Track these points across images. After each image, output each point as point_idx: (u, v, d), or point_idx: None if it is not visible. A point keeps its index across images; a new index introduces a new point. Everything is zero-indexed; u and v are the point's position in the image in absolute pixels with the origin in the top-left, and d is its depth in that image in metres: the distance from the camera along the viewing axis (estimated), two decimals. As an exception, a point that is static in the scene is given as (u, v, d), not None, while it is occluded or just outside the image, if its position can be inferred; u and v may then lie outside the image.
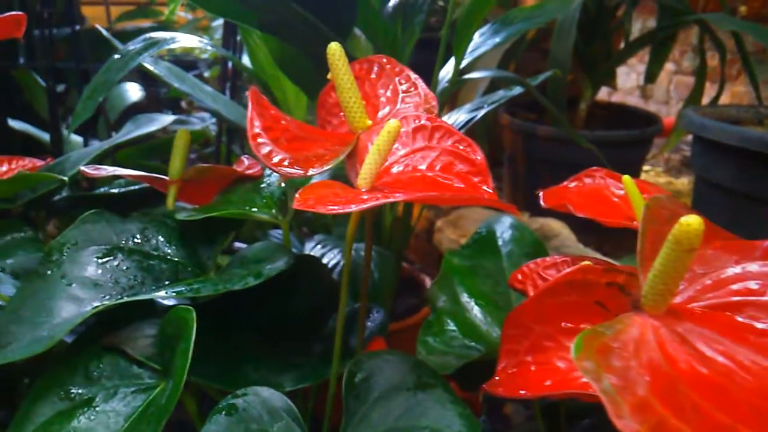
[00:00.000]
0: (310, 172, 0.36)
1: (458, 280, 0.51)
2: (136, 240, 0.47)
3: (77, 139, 1.42)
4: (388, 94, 0.44)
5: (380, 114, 0.43)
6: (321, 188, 0.34)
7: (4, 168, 0.75)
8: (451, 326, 0.47)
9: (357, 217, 0.38)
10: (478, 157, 0.38)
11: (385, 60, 0.46)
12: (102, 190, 0.72)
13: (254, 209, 0.50)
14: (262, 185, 0.54)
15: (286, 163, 0.36)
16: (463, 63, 0.94)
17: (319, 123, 0.49)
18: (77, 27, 2.32)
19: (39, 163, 0.76)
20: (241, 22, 0.81)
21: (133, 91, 1.42)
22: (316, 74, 0.87)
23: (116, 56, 0.82)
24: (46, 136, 1.48)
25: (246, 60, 1.20)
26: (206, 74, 2.22)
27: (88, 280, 0.44)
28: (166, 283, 0.46)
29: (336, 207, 0.31)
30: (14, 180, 0.61)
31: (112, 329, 0.42)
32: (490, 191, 0.37)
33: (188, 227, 0.50)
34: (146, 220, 0.49)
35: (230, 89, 1.17)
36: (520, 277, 0.44)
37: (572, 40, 1.52)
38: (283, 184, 0.52)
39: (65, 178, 0.61)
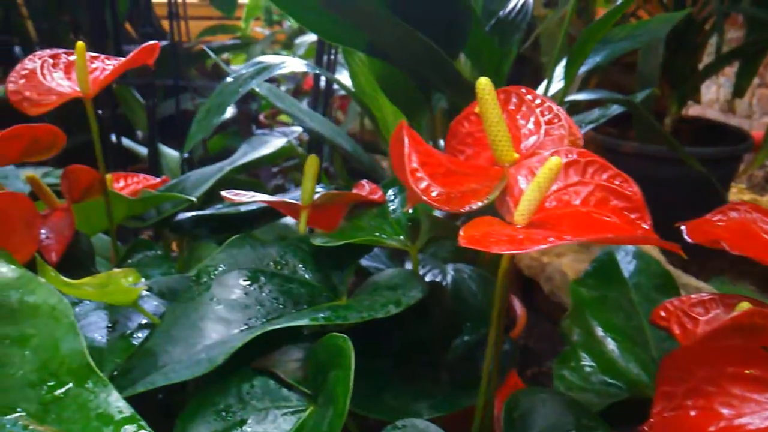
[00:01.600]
0: (467, 208, 0.36)
1: (590, 313, 0.50)
2: (276, 264, 0.49)
3: (172, 153, 1.49)
4: (530, 126, 0.44)
5: (523, 146, 0.43)
6: (484, 225, 0.34)
7: (121, 184, 0.79)
8: (588, 361, 0.46)
9: (511, 256, 0.39)
10: (635, 192, 0.37)
11: (524, 90, 0.46)
12: (217, 209, 0.75)
13: (384, 236, 0.51)
14: (388, 211, 0.55)
15: (443, 198, 0.37)
16: (559, 84, 0.93)
17: (449, 152, 0.49)
18: (164, 42, 2.42)
19: (155, 180, 0.81)
20: (350, 46, 0.83)
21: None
22: (420, 96, 0.89)
23: (229, 79, 0.85)
24: (139, 149, 1.56)
25: (342, 79, 1.22)
26: (283, 88, 2.29)
27: (235, 303, 0.46)
28: (304, 307, 0.47)
29: (508, 247, 0.31)
30: (145, 199, 0.64)
31: (263, 351, 0.44)
32: (648, 228, 0.36)
33: (320, 252, 0.51)
34: (284, 244, 0.50)
35: (323, 106, 1.21)
36: (663, 314, 0.43)
37: (661, 56, 1.48)
38: (410, 211, 0.53)
39: (194, 199, 0.64)
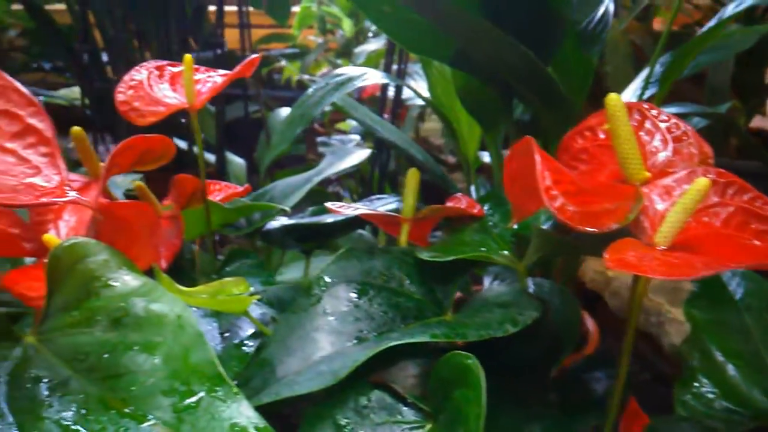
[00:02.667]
0: (606, 228, 0.35)
1: (708, 336, 0.48)
2: (382, 277, 0.49)
3: (237, 160, 1.51)
4: (657, 143, 0.43)
5: (650, 163, 0.42)
6: (628, 247, 0.33)
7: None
8: (709, 387, 0.45)
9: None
10: (779, 216, 0.36)
11: (646, 106, 0.45)
12: (300, 217, 0.76)
13: (490, 252, 0.50)
14: (488, 225, 0.54)
15: (578, 217, 0.36)
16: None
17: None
18: (218, 51, 2.49)
19: (239, 189, 0.82)
20: (433, 57, 0.83)
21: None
22: (499, 108, 0.88)
23: (310, 91, 0.86)
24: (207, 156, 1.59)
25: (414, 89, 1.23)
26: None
27: (346, 315, 0.46)
28: (412, 321, 0.47)
29: (666, 272, 0.30)
30: (241, 208, 0.66)
31: (375, 365, 0.44)
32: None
33: (424, 266, 0.51)
34: (389, 257, 0.50)
35: (392, 116, 1.21)
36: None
37: (731, 69, 1.43)
38: (515, 227, 0.52)
39: (287, 208, 0.65)
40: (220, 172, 1.43)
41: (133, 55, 2.05)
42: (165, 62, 0.63)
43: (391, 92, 1.24)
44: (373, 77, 0.83)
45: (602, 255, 0.33)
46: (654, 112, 0.44)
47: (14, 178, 0.34)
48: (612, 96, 0.40)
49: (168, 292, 0.44)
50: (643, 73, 1.02)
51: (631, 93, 1.01)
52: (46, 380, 0.39)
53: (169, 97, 0.60)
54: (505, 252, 0.51)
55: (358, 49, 1.97)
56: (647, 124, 0.44)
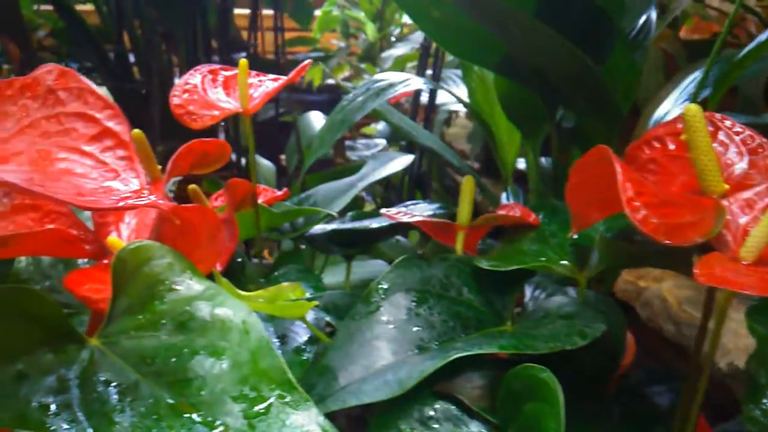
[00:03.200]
0: (691, 242, 0.35)
1: (777, 352, 0.47)
2: (441, 285, 0.49)
3: (266, 162, 1.52)
4: (732, 155, 0.42)
5: (725, 175, 0.41)
6: (716, 262, 0.33)
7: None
8: (781, 404, 0.44)
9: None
10: None
11: (718, 116, 0.44)
12: (341, 222, 0.75)
13: (550, 262, 0.50)
14: (546, 235, 0.54)
15: (661, 229, 0.35)
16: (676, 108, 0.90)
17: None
18: (245, 54, 2.51)
19: (278, 193, 0.82)
20: (478, 62, 0.83)
21: (318, 121, 1.50)
22: (541, 115, 0.87)
23: (350, 96, 0.86)
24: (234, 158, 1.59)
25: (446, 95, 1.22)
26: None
27: (407, 323, 0.46)
28: (472, 331, 0.47)
29: (761, 287, 0.29)
30: (289, 212, 0.66)
31: (444, 376, 0.43)
32: None
33: (482, 275, 0.50)
34: (447, 265, 0.50)
35: (425, 121, 1.21)
36: None
37: (762, 80, 1.42)
38: (575, 236, 0.51)
39: (334, 213, 0.65)
40: (249, 174, 1.43)
41: (160, 57, 2.06)
42: (218, 66, 0.63)
43: (424, 98, 1.24)
44: (415, 83, 0.83)
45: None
46: (728, 123, 0.43)
47: (93, 181, 0.34)
48: (691, 107, 0.39)
49: (231, 296, 0.44)
50: (686, 82, 1.00)
51: (671, 102, 1.00)
52: (114, 384, 0.39)
53: (223, 101, 0.60)
54: (565, 262, 0.50)
55: (385, 54, 1.97)
56: (721, 135, 0.43)
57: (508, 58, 0.74)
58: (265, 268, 0.67)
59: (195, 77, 0.60)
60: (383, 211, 0.55)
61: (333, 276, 0.81)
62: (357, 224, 0.70)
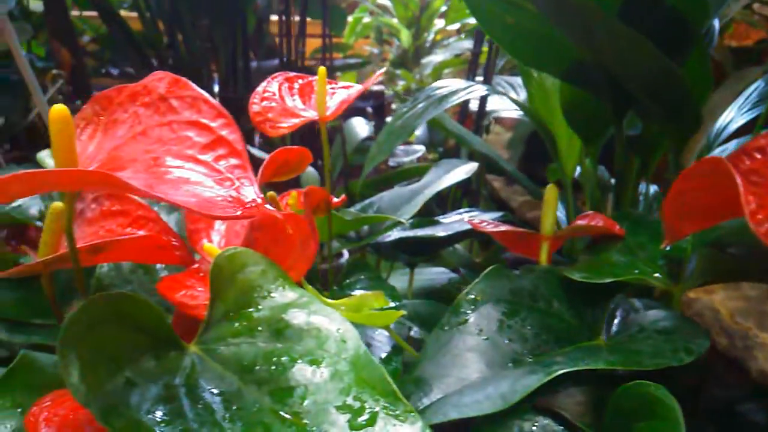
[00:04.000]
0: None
1: None
2: (531, 296, 0.48)
3: (309, 168, 1.52)
4: None
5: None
6: None
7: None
8: None
9: None
10: None
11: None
12: (403, 230, 0.75)
13: (643, 274, 0.48)
14: (632, 246, 0.52)
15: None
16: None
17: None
18: (275, 61, 2.52)
19: (335, 200, 0.82)
20: (544, 68, 0.82)
21: (361, 127, 1.50)
22: (604, 123, 0.86)
23: (408, 103, 0.86)
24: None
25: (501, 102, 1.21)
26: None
27: (499, 335, 0.45)
28: (566, 344, 0.46)
29: None
30: (360, 219, 0.65)
31: (542, 390, 0.42)
32: None
33: (571, 287, 0.49)
34: (533, 276, 0.49)
35: (476, 128, 1.20)
36: None
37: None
38: (668, 248, 0.50)
39: (403, 220, 0.65)
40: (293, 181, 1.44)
41: (207, 62, 2.09)
42: (293, 74, 0.63)
43: (473, 105, 1.23)
44: (478, 90, 0.82)
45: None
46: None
47: (209, 189, 0.34)
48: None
49: (324, 305, 0.44)
50: (749, 90, 0.98)
51: (735, 111, 0.98)
52: (218, 392, 0.39)
53: (300, 108, 0.60)
54: (659, 275, 0.49)
55: (424, 60, 1.97)
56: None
57: (577, 64, 0.73)
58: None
59: (272, 85, 0.61)
60: (467, 219, 0.54)
61: (395, 283, 0.80)
62: (426, 232, 0.69)
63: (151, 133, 0.37)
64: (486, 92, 0.85)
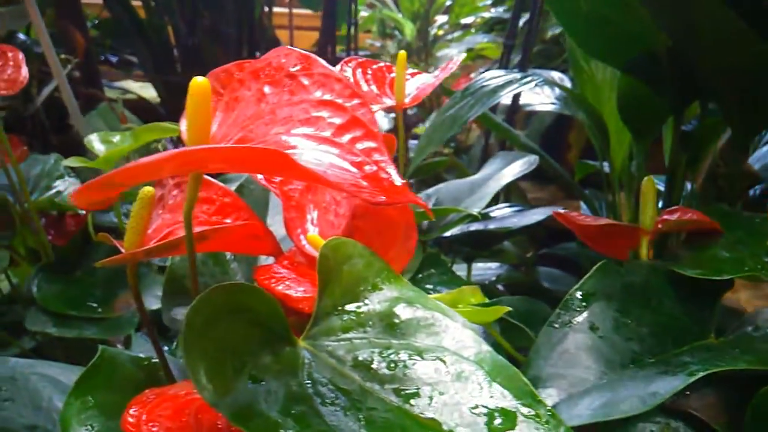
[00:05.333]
0: None
1: None
2: (642, 294, 0.46)
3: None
4: None
5: None
6: None
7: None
8: None
9: None
10: None
11: None
12: (463, 227, 0.73)
13: (753, 270, 0.47)
14: (732, 242, 0.51)
15: None
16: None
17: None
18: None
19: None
20: (608, 60, 0.80)
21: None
22: (659, 118, 0.84)
23: (456, 95, 0.84)
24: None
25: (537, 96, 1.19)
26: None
27: (614, 334, 0.43)
28: (682, 344, 0.44)
29: None
30: (436, 211, 0.63)
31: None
32: None
33: (679, 283, 0.47)
34: (643, 272, 0.47)
35: (509, 121, 1.18)
36: None
37: None
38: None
39: (476, 213, 0.62)
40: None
41: (203, 53, 2.05)
42: (365, 59, 0.60)
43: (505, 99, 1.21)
44: (532, 82, 0.80)
45: None
46: None
47: (348, 172, 0.32)
48: None
49: (431, 299, 0.42)
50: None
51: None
52: (339, 389, 0.36)
53: (376, 94, 0.57)
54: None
55: (440, 53, 1.95)
56: None
57: (646, 55, 0.71)
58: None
59: (347, 70, 0.58)
60: (554, 212, 0.52)
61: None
62: (494, 225, 0.67)
63: (280, 112, 0.34)
64: (539, 84, 0.83)
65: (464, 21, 2.32)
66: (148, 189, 0.42)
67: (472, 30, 2.23)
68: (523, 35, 1.24)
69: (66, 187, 0.72)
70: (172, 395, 0.39)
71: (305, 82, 0.34)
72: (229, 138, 0.33)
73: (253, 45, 2.15)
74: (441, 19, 2.91)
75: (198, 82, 0.30)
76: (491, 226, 0.66)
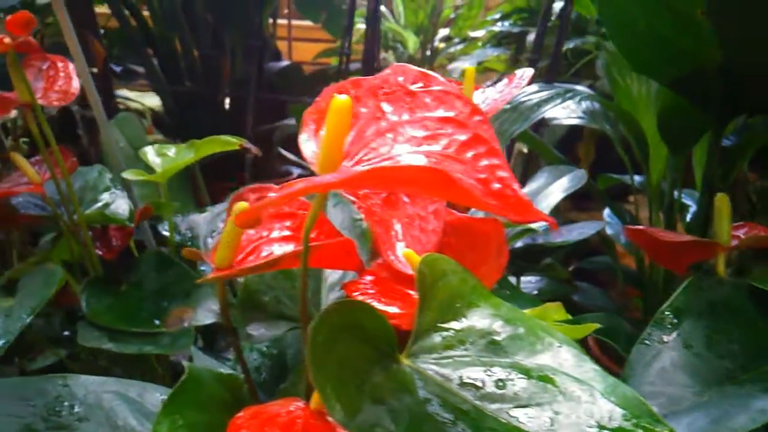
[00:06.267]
0: None
1: None
2: (729, 310, 0.46)
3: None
4: None
5: None
6: None
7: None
8: None
9: None
10: None
11: None
12: (537, 239, 0.72)
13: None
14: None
15: None
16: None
17: None
18: (286, 62, 2.48)
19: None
20: (655, 75, 0.81)
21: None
22: (698, 133, 0.85)
23: (507, 106, 0.84)
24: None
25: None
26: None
27: (707, 350, 0.43)
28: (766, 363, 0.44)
29: None
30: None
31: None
32: None
33: (762, 299, 0.48)
34: (726, 288, 0.47)
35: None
36: None
37: None
38: None
39: (535, 227, 0.62)
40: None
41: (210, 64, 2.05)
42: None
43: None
44: (578, 96, 0.80)
45: None
46: None
47: (476, 190, 0.31)
48: None
49: (530, 316, 0.42)
50: None
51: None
52: (451, 408, 0.35)
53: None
54: None
55: (451, 66, 1.96)
56: None
57: (695, 71, 0.72)
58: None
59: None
60: (627, 227, 0.52)
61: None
62: (544, 240, 0.67)
63: (402, 130, 0.33)
64: (583, 99, 0.84)
65: (473, 34, 2.34)
66: (242, 204, 0.41)
67: (479, 44, 2.25)
68: (531, 49, 1.25)
69: (113, 199, 0.71)
70: (273, 415, 0.39)
71: (426, 99, 0.34)
72: (353, 155, 0.33)
73: (261, 57, 2.15)
74: (442, 32, 2.93)
75: (340, 99, 0.30)
76: (542, 240, 0.65)
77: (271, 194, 0.44)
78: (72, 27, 1.00)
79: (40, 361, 0.84)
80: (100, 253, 0.70)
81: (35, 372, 0.87)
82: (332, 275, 0.58)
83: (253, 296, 0.52)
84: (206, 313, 0.65)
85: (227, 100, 2.12)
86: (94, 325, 0.64)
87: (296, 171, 2.05)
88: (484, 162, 0.33)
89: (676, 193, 0.94)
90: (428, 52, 3.03)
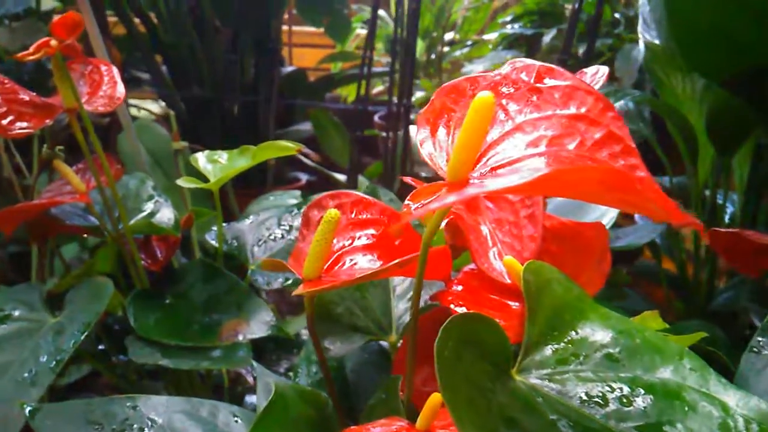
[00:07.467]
0: None
1: None
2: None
3: (367, 181, 1.47)
4: None
5: None
6: None
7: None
8: None
9: None
10: None
11: None
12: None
13: None
14: None
15: None
16: None
17: None
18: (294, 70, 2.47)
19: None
20: (709, 73, 0.79)
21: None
22: (745, 133, 0.83)
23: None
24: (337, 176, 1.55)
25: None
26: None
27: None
28: None
29: None
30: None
31: None
32: None
33: None
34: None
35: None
36: None
37: None
38: None
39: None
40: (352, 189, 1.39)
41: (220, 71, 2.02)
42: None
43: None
44: (630, 95, 0.78)
45: None
46: None
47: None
48: None
49: (641, 326, 0.39)
50: None
51: None
52: (581, 428, 0.33)
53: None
54: None
55: (465, 69, 1.94)
56: None
57: (753, 69, 0.70)
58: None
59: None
60: (713, 229, 0.50)
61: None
62: (614, 244, 0.65)
63: (528, 129, 0.31)
64: (634, 98, 0.82)
65: (486, 37, 2.32)
66: (335, 212, 0.39)
67: (489, 46, 2.23)
68: (561, 50, 1.24)
69: (158, 208, 0.68)
70: (381, 436, 0.36)
71: (553, 95, 0.32)
72: (480, 158, 0.30)
73: (276, 61, 2.13)
74: (447, 36, 2.92)
75: (484, 96, 0.28)
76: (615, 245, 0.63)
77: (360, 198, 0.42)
78: (99, 32, 0.98)
79: (75, 373, 0.81)
80: (146, 264, 0.67)
81: (68, 387, 0.84)
82: (400, 285, 0.56)
83: (327, 307, 0.49)
84: (260, 326, 0.62)
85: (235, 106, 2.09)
86: (143, 340, 0.61)
87: (303, 177, 2.02)
88: (621, 162, 0.30)
89: (719, 194, 0.92)
90: (433, 56, 3.02)
